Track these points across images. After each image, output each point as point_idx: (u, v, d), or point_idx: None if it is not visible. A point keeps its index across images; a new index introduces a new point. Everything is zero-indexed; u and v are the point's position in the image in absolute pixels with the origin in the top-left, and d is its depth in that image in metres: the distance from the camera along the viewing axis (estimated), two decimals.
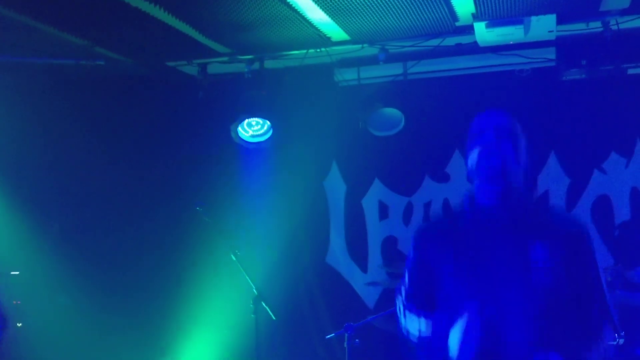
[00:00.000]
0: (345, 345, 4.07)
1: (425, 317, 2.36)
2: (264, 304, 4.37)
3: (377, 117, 5.11)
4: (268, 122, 5.18)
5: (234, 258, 4.48)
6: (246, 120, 5.18)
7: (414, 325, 2.38)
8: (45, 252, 5.20)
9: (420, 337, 2.36)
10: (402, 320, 2.45)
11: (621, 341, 3.65)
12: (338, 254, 5.54)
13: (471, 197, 2.42)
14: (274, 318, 4.38)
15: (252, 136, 5.28)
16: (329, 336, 4.23)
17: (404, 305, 2.46)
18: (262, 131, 5.25)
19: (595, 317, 2.32)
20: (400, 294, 2.50)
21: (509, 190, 2.33)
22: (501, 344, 2.23)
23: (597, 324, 2.32)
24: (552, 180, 5.16)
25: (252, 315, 4.37)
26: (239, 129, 5.20)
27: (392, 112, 5.09)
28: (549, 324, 2.25)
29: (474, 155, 2.38)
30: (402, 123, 5.12)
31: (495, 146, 2.32)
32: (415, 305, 2.43)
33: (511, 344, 2.24)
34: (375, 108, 5.07)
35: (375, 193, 5.50)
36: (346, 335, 4.07)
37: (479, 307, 2.23)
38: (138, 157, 5.51)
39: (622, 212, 5.03)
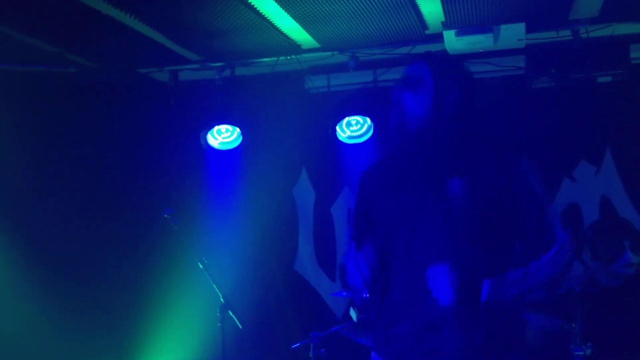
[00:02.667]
0: (311, 354, 4.04)
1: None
2: (230, 313, 4.34)
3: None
4: (238, 129, 5.16)
5: (201, 266, 4.44)
6: (216, 127, 5.16)
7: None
8: (12, 257, 5.14)
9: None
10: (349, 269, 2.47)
11: (588, 352, 3.66)
12: (306, 262, 5.52)
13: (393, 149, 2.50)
14: (240, 327, 4.36)
15: (222, 143, 5.26)
16: (294, 346, 4.20)
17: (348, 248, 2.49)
18: (231, 138, 5.23)
19: (531, 236, 2.35)
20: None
21: (415, 140, 2.38)
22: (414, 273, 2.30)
23: (535, 242, 2.35)
24: None
25: (219, 324, 4.34)
26: (209, 135, 5.17)
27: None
28: (465, 256, 2.28)
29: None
30: None
31: (396, 99, 2.40)
32: (358, 240, 2.49)
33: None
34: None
35: (345, 201, 5.48)
36: (312, 344, 4.05)
37: (388, 243, 2.37)
38: (108, 163, 5.47)
39: (592, 220, 5.04)
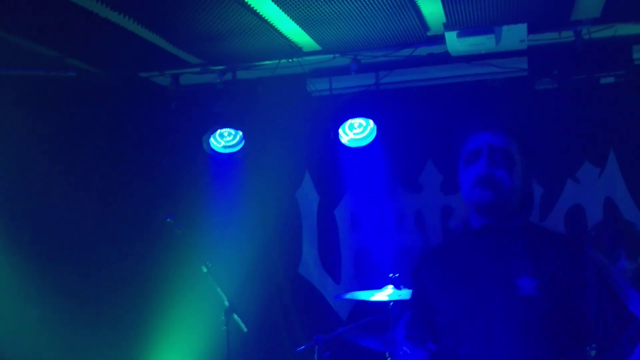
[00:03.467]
0: (316, 357, 4.02)
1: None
2: (235, 316, 4.32)
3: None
4: (240, 133, 5.14)
5: (205, 270, 4.42)
6: (218, 131, 5.14)
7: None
8: (16, 263, 5.12)
9: None
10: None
11: (592, 353, 3.63)
12: (311, 265, 5.49)
13: (466, 223, 2.31)
14: (245, 330, 4.33)
15: (224, 147, 5.24)
16: (299, 349, 4.18)
17: (405, 344, 2.39)
18: (234, 142, 5.21)
19: (612, 330, 2.15)
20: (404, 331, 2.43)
21: (501, 219, 2.21)
22: None
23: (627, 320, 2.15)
24: None
25: (224, 327, 4.32)
26: (211, 139, 5.16)
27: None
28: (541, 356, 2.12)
29: (468, 180, 2.24)
30: None
31: (489, 173, 2.18)
32: (413, 341, 2.34)
33: None
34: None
35: (348, 204, 5.47)
36: (316, 347, 4.02)
37: (456, 341, 2.15)
38: (109, 168, 5.46)
39: (596, 222, 5.01)
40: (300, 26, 4.30)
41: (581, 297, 2.14)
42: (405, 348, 2.41)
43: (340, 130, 5.11)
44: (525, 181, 2.25)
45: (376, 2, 3.89)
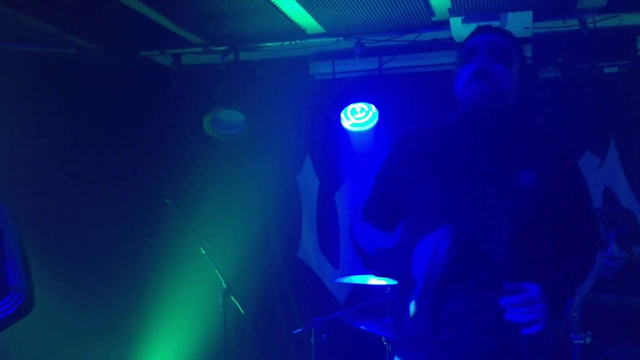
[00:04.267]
0: (312, 340, 4.04)
1: (383, 232, 2.19)
2: (232, 298, 4.34)
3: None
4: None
5: (203, 251, 4.43)
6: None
7: (369, 241, 2.22)
8: None
9: (377, 251, 2.20)
10: (355, 236, 2.27)
11: (588, 340, 3.66)
12: (309, 249, 5.49)
13: (461, 113, 2.26)
14: (242, 312, 4.35)
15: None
16: (296, 331, 4.19)
17: (358, 219, 2.29)
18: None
19: (590, 238, 2.26)
20: (357, 209, 2.32)
21: (496, 117, 2.19)
22: (472, 268, 2.06)
23: (590, 245, 2.27)
24: None
25: (221, 309, 4.34)
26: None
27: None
28: (529, 251, 2.12)
29: (463, 76, 2.22)
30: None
31: (487, 68, 2.17)
32: (373, 219, 2.26)
33: (484, 269, 2.06)
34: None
35: (349, 188, 5.45)
36: (313, 330, 4.04)
37: (451, 227, 2.05)
38: (109, 147, 5.42)
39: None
40: (304, 8, 4.27)
41: (568, 200, 2.20)
42: (356, 227, 2.28)
43: (342, 115, 5.09)
44: (522, 83, 2.25)
45: None
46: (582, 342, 3.62)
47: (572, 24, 4.63)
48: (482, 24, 4.26)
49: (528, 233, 2.12)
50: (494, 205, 2.11)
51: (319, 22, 4.56)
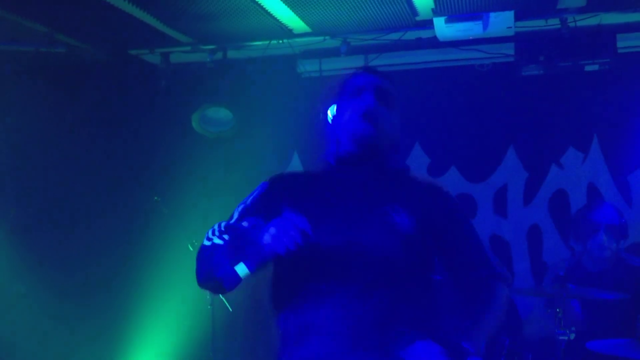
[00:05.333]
0: None
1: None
2: (220, 295, 4.37)
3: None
4: None
5: (191, 248, 4.48)
6: None
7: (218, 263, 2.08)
8: (1, 239, 5.14)
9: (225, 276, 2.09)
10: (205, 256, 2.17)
11: (572, 336, 3.74)
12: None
13: (335, 156, 2.27)
14: (230, 309, 4.39)
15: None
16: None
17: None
18: None
19: (481, 274, 2.20)
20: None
21: (374, 156, 2.23)
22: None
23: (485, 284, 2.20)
24: (511, 174, 5.24)
25: (209, 307, 4.38)
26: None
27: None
28: (407, 294, 2.10)
29: (347, 111, 2.25)
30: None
31: (374, 111, 2.20)
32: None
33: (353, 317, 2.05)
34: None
35: None
36: None
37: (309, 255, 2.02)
38: (97, 145, 5.46)
39: (579, 207, 5.10)
40: (290, 8, 4.33)
41: (447, 233, 2.21)
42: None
43: (329, 112, 5.13)
44: (399, 126, 2.31)
45: None
46: (566, 337, 3.71)
47: (554, 23, 4.69)
48: (465, 23, 4.42)
49: (405, 274, 2.12)
50: (366, 242, 2.11)
51: (305, 22, 4.61)
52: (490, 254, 2.29)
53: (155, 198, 4.50)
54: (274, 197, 2.27)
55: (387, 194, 2.22)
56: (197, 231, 4.78)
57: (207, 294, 4.36)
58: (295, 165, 5.58)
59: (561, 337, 3.71)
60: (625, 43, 4.77)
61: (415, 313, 2.10)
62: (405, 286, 2.12)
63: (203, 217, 5.09)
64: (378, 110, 2.22)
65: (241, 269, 2.07)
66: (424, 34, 4.86)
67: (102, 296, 5.26)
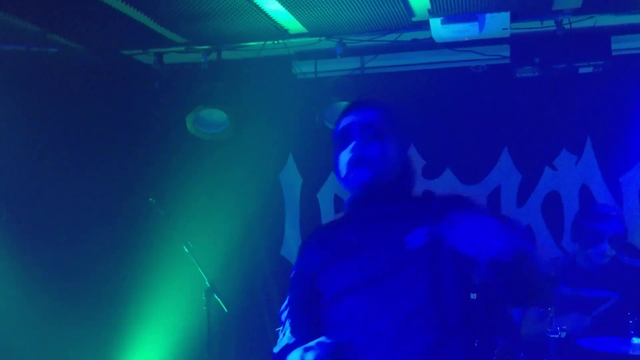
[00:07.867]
0: None
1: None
2: (216, 297, 4.34)
3: (334, 111, 5.10)
4: None
5: (186, 250, 4.44)
6: None
7: None
8: None
9: None
10: None
11: (563, 335, 3.75)
12: (293, 247, 5.51)
13: (350, 202, 2.28)
14: (226, 310, 4.36)
15: None
16: (278, 329, 4.22)
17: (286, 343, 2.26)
18: None
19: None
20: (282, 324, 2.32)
21: (382, 193, 2.19)
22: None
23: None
24: (504, 175, 5.26)
25: (204, 308, 4.34)
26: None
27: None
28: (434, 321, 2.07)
29: (341, 163, 2.21)
30: None
31: (362, 154, 2.15)
32: (299, 336, 2.23)
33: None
34: (332, 102, 5.06)
35: (331, 187, 5.49)
36: None
37: (329, 340, 2.00)
38: (91, 146, 5.41)
39: (572, 209, 5.12)
40: (286, 8, 4.31)
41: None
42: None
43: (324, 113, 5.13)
44: (401, 150, 2.24)
45: None
46: (557, 336, 3.72)
47: (549, 24, 4.71)
48: (461, 24, 4.42)
49: (436, 294, 2.08)
50: (387, 278, 2.10)
51: (300, 22, 4.59)
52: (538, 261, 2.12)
53: (150, 199, 4.45)
54: (305, 277, 2.32)
55: (401, 221, 2.15)
56: (192, 232, 4.77)
57: (202, 295, 4.32)
58: (291, 167, 5.56)
59: (552, 336, 3.73)
60: (619, 45, 4.80)
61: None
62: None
63: (198, 218, 5.07)
64: (367, 150, 2.16)
65: None
66: (420, 35, 4.86)
67: (96, 297, 5.20)
